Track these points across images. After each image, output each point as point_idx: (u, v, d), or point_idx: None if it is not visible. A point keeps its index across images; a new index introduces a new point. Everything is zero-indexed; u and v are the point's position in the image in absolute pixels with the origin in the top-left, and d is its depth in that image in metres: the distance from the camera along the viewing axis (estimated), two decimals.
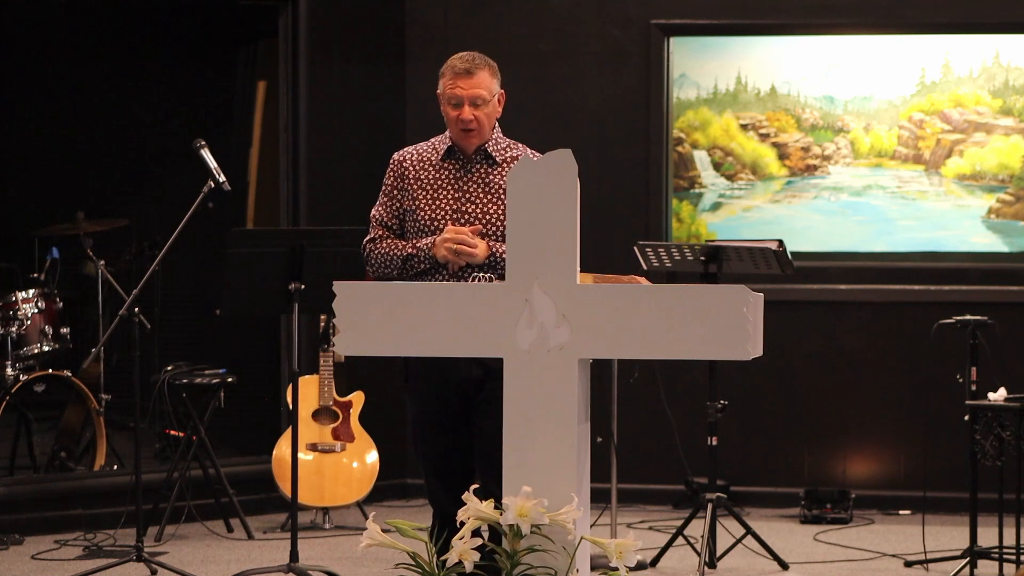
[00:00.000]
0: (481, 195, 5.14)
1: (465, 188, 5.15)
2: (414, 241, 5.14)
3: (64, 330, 8.66)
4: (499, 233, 5.09)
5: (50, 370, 8.47)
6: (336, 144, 9.03)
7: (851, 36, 8.96)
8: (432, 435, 5.14)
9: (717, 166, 9.10)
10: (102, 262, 8.74)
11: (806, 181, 9.05)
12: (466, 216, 5.11)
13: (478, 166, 5.17)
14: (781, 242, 7.32)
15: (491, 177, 5.15)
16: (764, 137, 9.07)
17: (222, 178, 6.99)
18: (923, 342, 7.82)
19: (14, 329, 8.47)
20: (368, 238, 5.26)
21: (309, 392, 8.20)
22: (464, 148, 5.18)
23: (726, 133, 9.07)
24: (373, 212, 5.27)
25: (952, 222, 8.94)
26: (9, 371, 8.39)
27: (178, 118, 10.18)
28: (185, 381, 8.23)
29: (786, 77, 9.01)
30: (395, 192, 5.22)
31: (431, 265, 5.11)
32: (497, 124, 5.24)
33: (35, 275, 8.99)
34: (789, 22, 8.97)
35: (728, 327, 3.98)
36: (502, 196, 5.08)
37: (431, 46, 9.06)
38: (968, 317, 7.25)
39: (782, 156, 9.06)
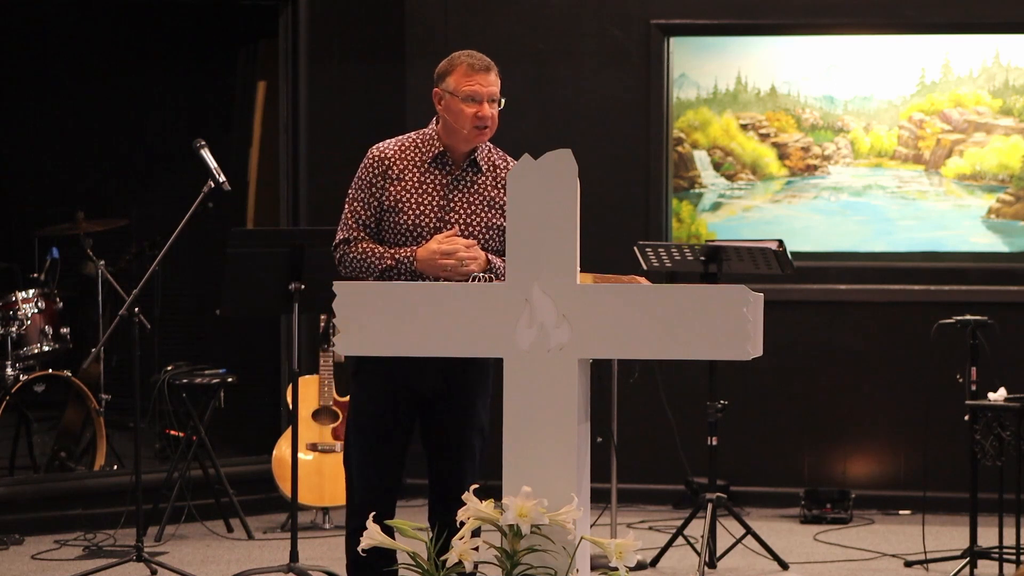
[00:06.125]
0: (465, 205, 4.98)
1: (451, 196, 4.99)
2: (394, 251, 4.92)
3: (64, 330, 8.66)
4: (481, 244, 4.94)
5: (50, 370, 8.47)
6: (336, 144, 9.02)
7: (851, 36, 8.96)
8: (372, 435, 4.97)
9: (717, 166, 9.10)
10: (102, 262, 8.74)
11: (806, 181, 9.05)
12: (449, 226, 4.94)
13: (465, 173, 5.02)
14: (781, 242, 7.32)
15: (476, 186, 5.01)
16: (764, 137, 9.06)
17: (222, 178, 6.98)
18: (923, 342, 7.81)
19: (14, 329, 8.47)
20: (342, 238, 5.03)
21: (309, 392, 8.21)
22: (458, 150, 5.00)
23: (726, 133, 9.07)
24: (348, 209, 5.03)
25: (952, 222, 8.93)
26: (9, 371, 8.39)
27: (178, 118, 10.18)
28: (185, 381, 8.23)
29: (786, 77, 9.01)
30: (374, 189, 4.99)
31: (411, 278, 4.88)
32: None
33: (35, 275, 8.99)
34: (789, 22, 8.97)
35: (728, 327, 3.98)
36: (485, 207, 4.99)
37: (431, 46, 9.05)
38: (968, 317, 7.25)
39: (782, 156, 9.05)
